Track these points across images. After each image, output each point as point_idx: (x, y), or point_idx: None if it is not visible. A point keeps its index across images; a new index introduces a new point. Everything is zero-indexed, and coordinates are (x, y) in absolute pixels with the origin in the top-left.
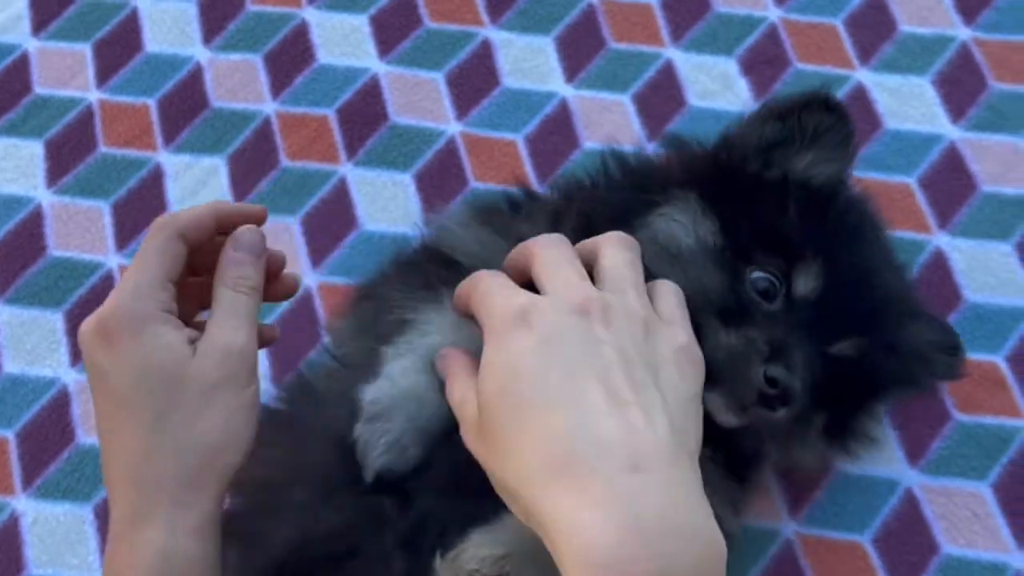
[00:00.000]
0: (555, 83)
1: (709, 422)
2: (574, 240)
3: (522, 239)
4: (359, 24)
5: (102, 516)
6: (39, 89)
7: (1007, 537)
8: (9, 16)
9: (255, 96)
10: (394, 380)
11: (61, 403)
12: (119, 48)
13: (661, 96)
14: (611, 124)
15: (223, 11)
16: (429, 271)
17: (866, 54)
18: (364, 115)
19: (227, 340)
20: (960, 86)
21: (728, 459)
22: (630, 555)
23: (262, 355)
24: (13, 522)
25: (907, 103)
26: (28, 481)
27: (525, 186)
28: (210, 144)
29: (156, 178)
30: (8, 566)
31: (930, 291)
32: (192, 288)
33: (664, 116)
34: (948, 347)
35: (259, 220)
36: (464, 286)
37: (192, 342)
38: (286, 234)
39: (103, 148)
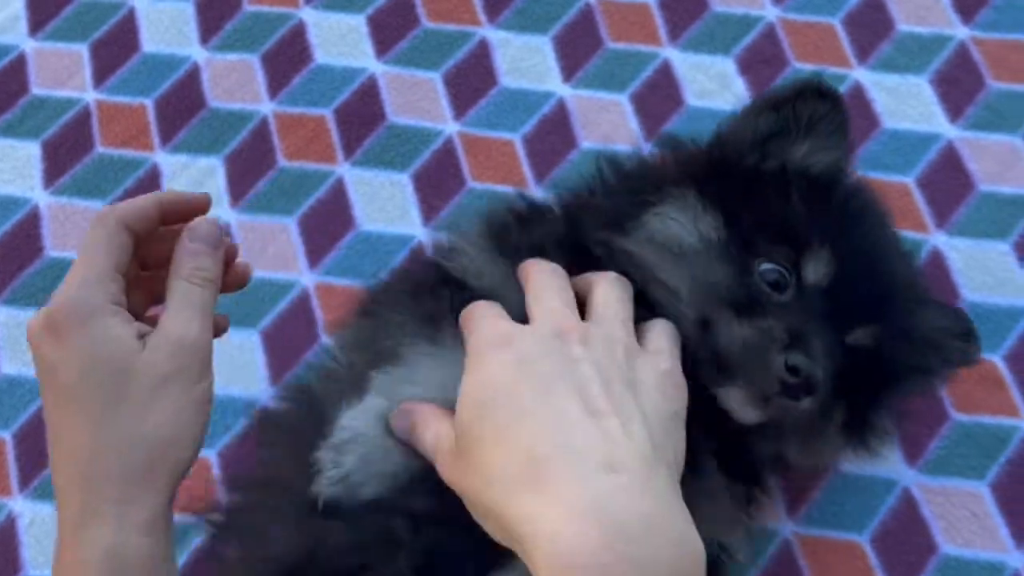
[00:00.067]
0: (553, 83)
1: (723, 429)
2: (572, 254)
3: (534, 255)
4: (356, 24)
5: None
6: (36, 89)
7: (1005, 537)
8: (6, 16)
9: (252, 96)
10: (367, 416)
11: None
12: (116, 48)
13: (659, 96)
14: (609, 124)
15: (220, 11)
16: (440, 296)
17: (864, 53)
18: (361, 115)
19: (180, 332)
20: (958, 85)
21: (741, 471)
22: (605, 554)
23: (259, 356)
24: (10, 523)
25: (905, 102)
26: (25, 482)
27: (527, 196)
28: (207, 144)
29: (153, 178)
30: (5, 567)
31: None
32: (142, 282)
33: (662, 116)
34: (962, 333)
35: (203, 209)
36: (463, 313)
37: (142, 336)
38: (283, 234)
39: (100, 148)
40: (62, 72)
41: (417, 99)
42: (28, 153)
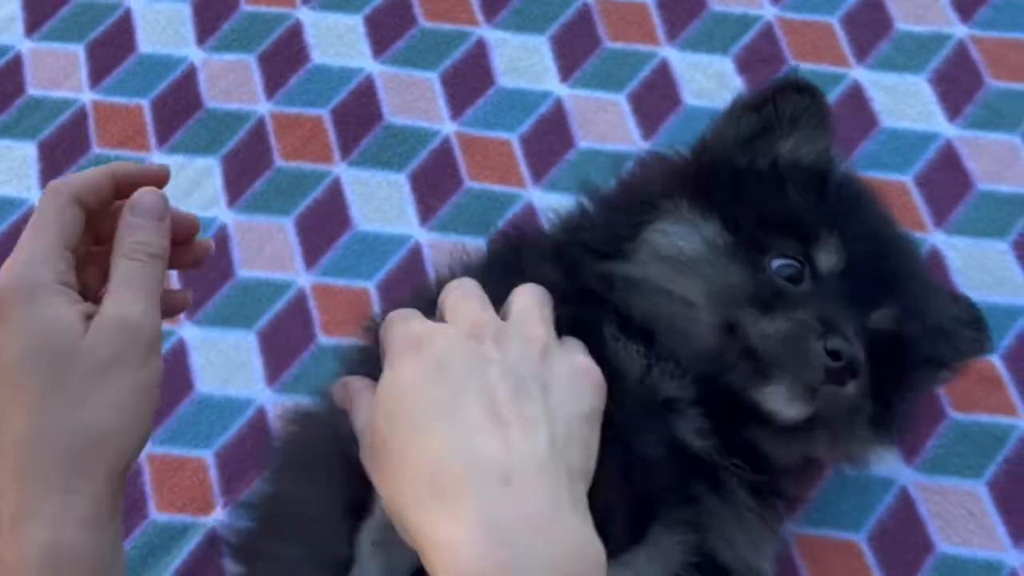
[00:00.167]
0: (550, 82)
1: (743, 443)
2: (569, 295)
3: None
4: (353, 24)
5: None
6: (32, 90)
7: (1002, 535)
8: (2, 17)
9: (249, 96)
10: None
11: None
12: (112, 49)
13: (657, 95)
14: (606, 123)
15: (217, 11)
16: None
17: (862, 52)
18: (358, 115)
19: (119, 313)
20: (956, 84)
21: (764, 486)
22: (488, 562)
23: (256, 356)
24: None
25: (903, 101)
26: None
27: (521, 231)
28: (204, 145)
29: None
30: None
31: None
32: (97, 257)
33: (659, 115)
34: (972, 321)
35: (160, 182)
36: (383, 323)
37: (89, 317)
38: (280, 234)
39: (96, 149)
40: (58, 73)
41: (414, 99)
42: (24, 154)
